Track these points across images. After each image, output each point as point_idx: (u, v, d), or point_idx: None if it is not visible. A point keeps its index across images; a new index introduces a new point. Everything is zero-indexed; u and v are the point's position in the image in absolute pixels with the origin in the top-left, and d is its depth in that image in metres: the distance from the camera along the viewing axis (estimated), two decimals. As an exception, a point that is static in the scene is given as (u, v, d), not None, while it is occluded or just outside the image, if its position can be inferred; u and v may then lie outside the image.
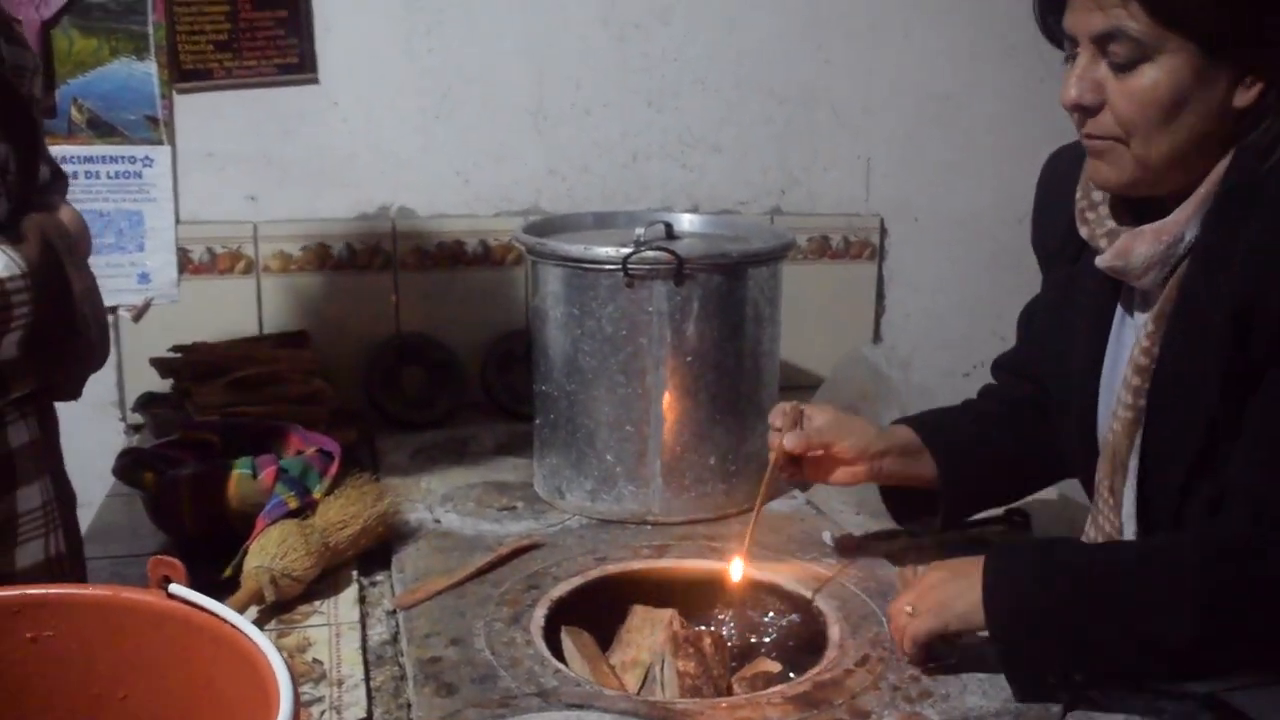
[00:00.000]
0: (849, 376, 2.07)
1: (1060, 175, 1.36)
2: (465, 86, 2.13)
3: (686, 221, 1.87)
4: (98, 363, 1.25)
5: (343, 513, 1.45)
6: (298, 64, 2.07)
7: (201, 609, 0.70)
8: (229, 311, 2.09)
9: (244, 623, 0.67)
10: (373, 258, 2.13)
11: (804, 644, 1.39)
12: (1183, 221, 1.15)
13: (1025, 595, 1.16)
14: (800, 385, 2.20)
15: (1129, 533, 1.23)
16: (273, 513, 1.41)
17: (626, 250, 1.57)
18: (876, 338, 2.45)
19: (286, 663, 0.63)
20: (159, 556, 0.71)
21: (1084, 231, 1.25)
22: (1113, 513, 1.24)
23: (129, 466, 1.51)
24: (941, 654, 1.23)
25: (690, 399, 1.63)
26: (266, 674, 0.64)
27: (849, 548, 1.56)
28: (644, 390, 1.61)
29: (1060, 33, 1.17)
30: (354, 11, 2.07)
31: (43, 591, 0.75)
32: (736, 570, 1.43)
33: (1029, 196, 2.47)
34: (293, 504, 1.43)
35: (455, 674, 1.22)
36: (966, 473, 1.46)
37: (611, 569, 1.49)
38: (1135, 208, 1.22)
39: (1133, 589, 1.12)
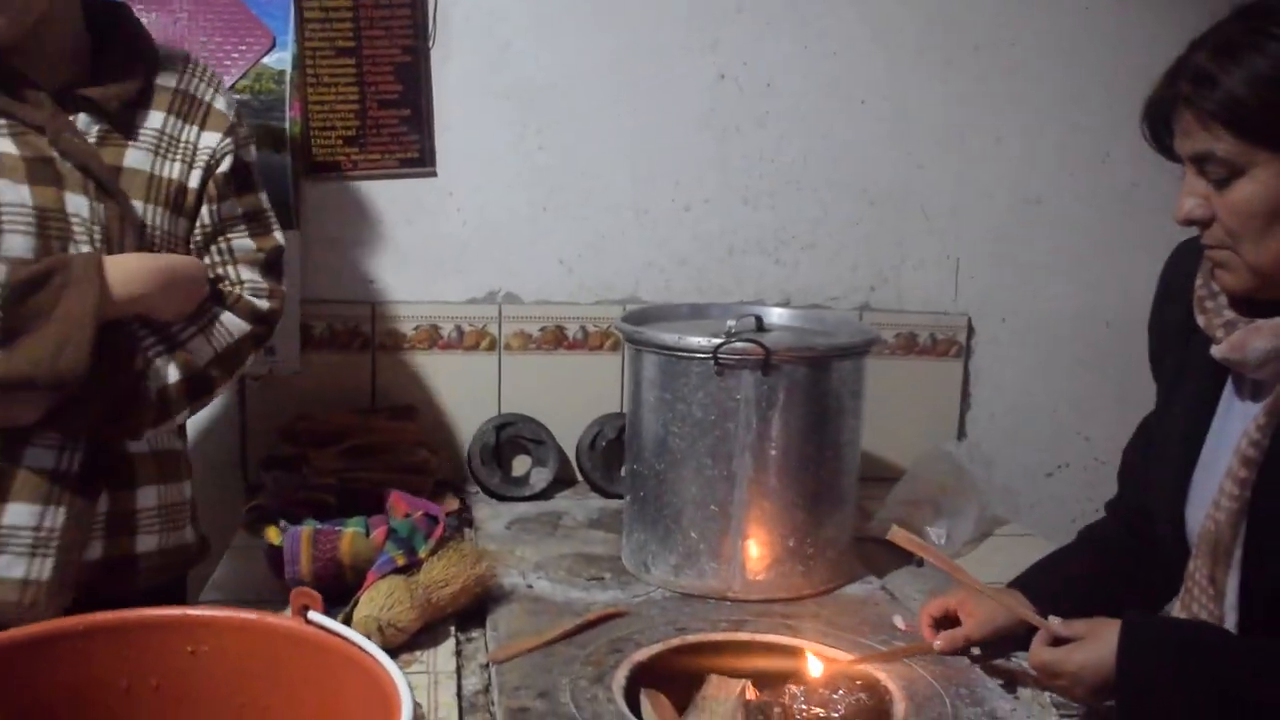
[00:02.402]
0: (930, 470, 2.14)
1: (1183, 265, 1.41)
2: (572, 182, 2.28)
3: (776, 315, 1.97)
4: (113, 403, 1.41)
5: (445, 572, 1.57)
6: (418, 158, 2.24)
7: (335, 634, 0.81)
8: (345, 384, 2.24)
9: (372, 647, 0.78)
10: (479, 339, 2.27)
11: (871, 721, 1.46)
12: None
13: (1161, 689, 1.21)
14: (882, 477, 2.27)
15: (1230, 624, 1.25)
16: (382, 568, 1.53)
17: (718, 340, 1.68)
18: (961, 434, 2.51)
19: (408, 683, 0.74)
20: (301, 588, 0.83)
21: (1201, 320, 1.29)
22: (1212, 602, 1.27)
23: (256, 520, 1.65)
24: None
25: (772, 483, 1.72)
26: (390, 692, 0.74)
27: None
28: (729, 473, 1.71)
29: (1171, 151, 1.25)
30: (471, 111, 2.23)
31: (201, 613, 0.88)
32: (816, 668, 1.50)
33: (1116, 300, 2.57)
34: (400, 561, 1.54)
35: (541, 725, 1.31)
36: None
37: (691, 639, 1.58)
38: (1254, 300, 1.26)
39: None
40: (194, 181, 1.52)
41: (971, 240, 2.46)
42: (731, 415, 1.70)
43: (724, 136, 2.32)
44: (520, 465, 2.25)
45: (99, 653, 0.86)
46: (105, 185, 1.41)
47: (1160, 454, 1.41)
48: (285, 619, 0.84)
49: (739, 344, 1.68)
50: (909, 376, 2.44)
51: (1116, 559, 1.55)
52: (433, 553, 1.61)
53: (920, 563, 1.93)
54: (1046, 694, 1.42)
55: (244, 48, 2.15)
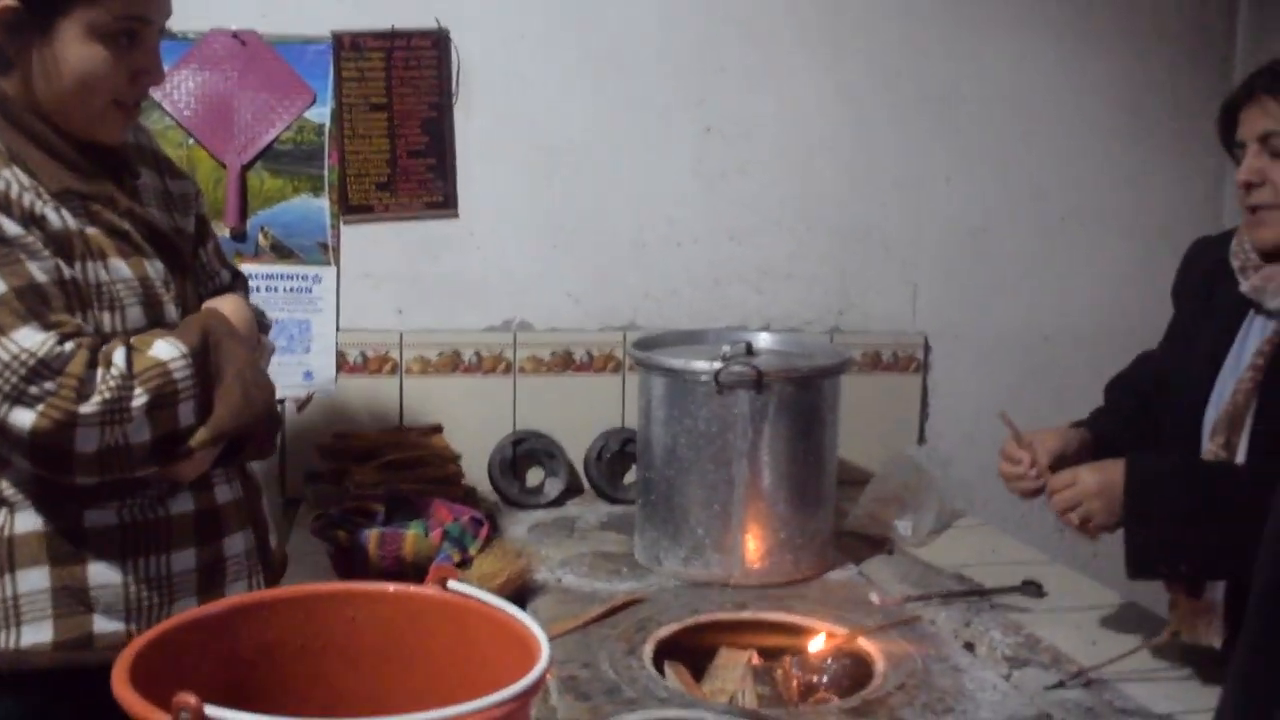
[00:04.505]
0: (896, 472, 2.44)
1: (1204, 247, 1.85)
2: (578, 222, 2.57)
3: (763, 339, 2.27)
4: (273, 425, 1.53)
5: (492, 567, 1.85)
6: (442, 201, 2.51)
7: (473, 599, 1.08)
8: (376, 405, 2.51)
9: (509, 605, 1.05)
10: (496, 364, 2.55)
11: (855, 683, 1.74)
12: None
13: (1164, 491, 1.60)
14: (853, 480, 2.57)
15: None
16: (441, 564, 1.80)
17: (718, 365, 1.97)
18: (921, 440, 2.81)
19: (543, 630, 1.01)
20: (440, 564, 1.10)
21: (1235, 263, 1.68)
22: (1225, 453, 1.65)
23: (324, 526, 1.91)
24: None
25: (766, 485, 2.02)
26: (530, 641, 1.01)
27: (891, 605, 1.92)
28: (729, 477, 2.00)
29: (1231, 144, 1.67)
30: (489, 160, 2.52)
31: (359, 587, 1.15)
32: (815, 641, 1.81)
33: (1052, 317, 2.87)
34: (456, 558, 1.82)
35: (589, 687, 1.60)
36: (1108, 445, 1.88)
37: (703, 618, 1.86)
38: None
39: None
40: (191, 228, 1.62)
41: (927, 268, 2.77)
42: (730, 428, 1.99)
43: (712, 183, 2.61)
44: (534, 476, 2.53)
45: (279, 619, 1.12)
46: (176, 249, 1.51)
47: (1185, 367, 1.76)
48: (427, 589, 1.11)
49: (736, 367, 1.97)
50: (874, 390, 2.73)
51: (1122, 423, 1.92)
52: (481, 550, 1.88)
53: (891, 550, 2.23)
54: (998, 648, 1.71)
55: (288, 103, 2.42)
